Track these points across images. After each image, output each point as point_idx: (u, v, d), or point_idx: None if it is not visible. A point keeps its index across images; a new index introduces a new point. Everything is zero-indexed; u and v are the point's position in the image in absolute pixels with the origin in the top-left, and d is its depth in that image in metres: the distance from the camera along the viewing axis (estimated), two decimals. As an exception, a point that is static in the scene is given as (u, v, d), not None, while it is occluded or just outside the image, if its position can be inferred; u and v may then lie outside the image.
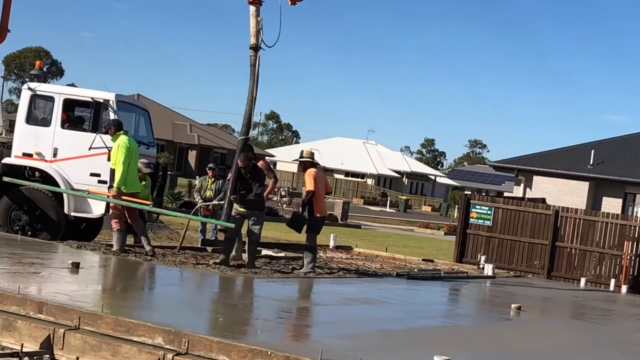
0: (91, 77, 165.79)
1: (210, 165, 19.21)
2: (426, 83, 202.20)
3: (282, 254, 17.22)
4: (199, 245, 16.66)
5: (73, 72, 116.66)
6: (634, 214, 30.60)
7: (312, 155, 14.99)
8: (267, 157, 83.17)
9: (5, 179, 15.09)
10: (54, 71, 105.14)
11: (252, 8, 15.07)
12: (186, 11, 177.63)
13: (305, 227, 14.51)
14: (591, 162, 37.41)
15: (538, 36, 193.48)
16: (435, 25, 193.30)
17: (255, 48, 15.05)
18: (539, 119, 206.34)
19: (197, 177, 26.86)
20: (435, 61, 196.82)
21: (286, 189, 43.13)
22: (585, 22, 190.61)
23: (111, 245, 14.34)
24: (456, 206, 57.33)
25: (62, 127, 15.52)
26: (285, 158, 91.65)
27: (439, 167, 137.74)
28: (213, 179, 18.43)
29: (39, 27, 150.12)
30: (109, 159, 15.06)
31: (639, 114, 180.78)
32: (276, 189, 14.81)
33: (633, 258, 20.20)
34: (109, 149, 15.13)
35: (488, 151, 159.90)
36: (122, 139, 14.03)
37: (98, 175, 15.22)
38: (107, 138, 15.18)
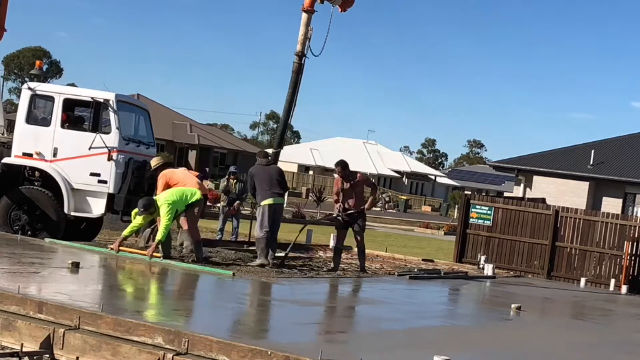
0: (83, 76, 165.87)
1: (232, 169, 20.82)
2: (426, 83, 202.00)
3: (282, 254, 17.18)
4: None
5: (68, 71, 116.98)
6: (634, 214, 30.60)
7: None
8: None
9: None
10: (53, 71, 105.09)
11: (304, 16, 15.22)
12: (153, 6, 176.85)
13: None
14: (591, 162, 37.42)
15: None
16: (435, 26, 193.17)
17: (301, 55, 15.19)
18: (529, 120, 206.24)
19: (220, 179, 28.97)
20: (435, 61, 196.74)
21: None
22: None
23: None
24: (456, 206, 57.24)
25: (62, 126, 15.53)
26: (285, 158, 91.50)
27: (440, 167, 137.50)
28: (235, 181, 20.35)
29: (34, 27, 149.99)
30: (109, 159, 15.08)
31: (605, 111, 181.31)
32: (379, 197, 16.05)
33: (633, 258, 20.17)
34: (109, 149, 15.14)
35: (486, 151, 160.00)
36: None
37: (98, 175, 15.22)
38: (106, 138, 15.18)
